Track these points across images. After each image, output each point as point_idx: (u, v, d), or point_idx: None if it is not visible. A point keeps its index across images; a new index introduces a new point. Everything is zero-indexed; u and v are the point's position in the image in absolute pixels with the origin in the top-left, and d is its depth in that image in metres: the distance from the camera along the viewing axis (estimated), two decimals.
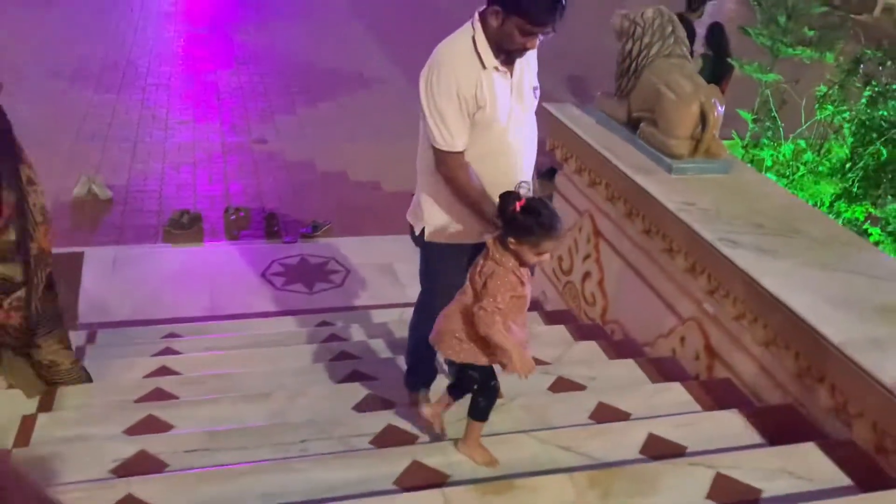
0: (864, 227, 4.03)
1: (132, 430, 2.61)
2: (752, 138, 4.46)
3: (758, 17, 4.41)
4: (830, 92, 4.21)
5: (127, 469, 2.29)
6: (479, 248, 2.56)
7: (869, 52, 4.09)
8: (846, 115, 4.19)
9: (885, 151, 3.92)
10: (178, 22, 11.21)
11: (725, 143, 4.12)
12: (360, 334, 3.90)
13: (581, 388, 2.90)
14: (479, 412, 2.28)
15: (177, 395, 2.96)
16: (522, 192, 2.13)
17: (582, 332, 3.83)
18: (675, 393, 2.92)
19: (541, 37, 2.37)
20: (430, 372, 2.86)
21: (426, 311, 2.68)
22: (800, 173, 4.25)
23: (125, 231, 5.28)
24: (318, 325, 4.08)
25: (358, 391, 2.97)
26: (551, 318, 4.26)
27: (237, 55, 9.67)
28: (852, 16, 14.25)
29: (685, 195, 3.41)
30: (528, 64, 2.54)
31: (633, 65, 3.90)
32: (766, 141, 4.31)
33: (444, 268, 2.68)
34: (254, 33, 10.69)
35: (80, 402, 2.88)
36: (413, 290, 4.66)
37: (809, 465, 2.29)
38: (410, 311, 4.35)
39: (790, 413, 2.67)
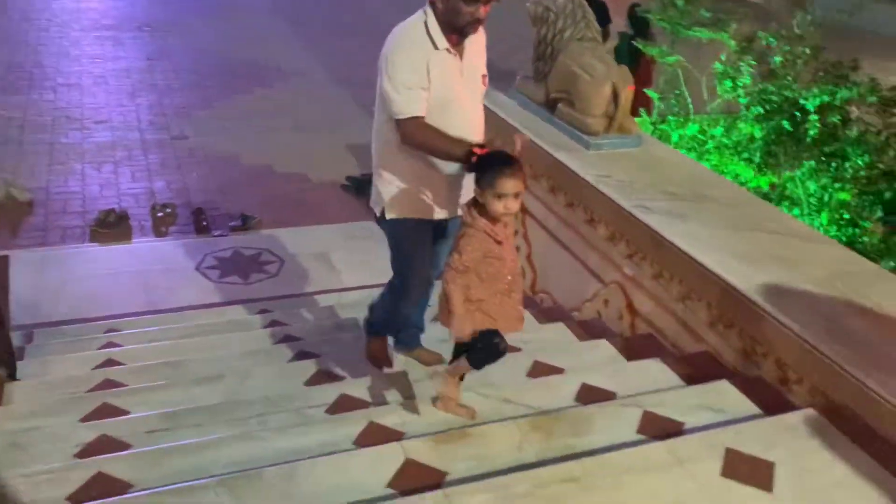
0: (768, 195, 4.39)
1: (88, 418, 2.67)
2: (658, 115, 4.78)
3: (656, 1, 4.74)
4: (727, 69, 4.56)
5: (90, 452, 2.36)
6: (440, 229, 2.76)
7: (761, 34, 4.46)
8: (741, 92, 4.55)
9: (786, 124, 4.29)
10: (85, 21, 10.89)
11: (637, 120, 4.43)
12: (300, 319, 4.01)
13: (517, 350, 3.12)
14: (476, 361, 2.32)
15: (127, 384, 3.02)
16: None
17: None
18: (603, 349, 3.17)
19: (486, 5, 2.46)
20: (397, 326, 3.04)
21: (394, 292, 2.87)
22: (708, 145, 4.59)
23: (50, 233, 5.20)
24: (258, 313, 4.16)
25: (307, 368, 3.10)
26: None
27: (149, 53, 9.50)
28: None
29: (602, 168, 3.67)
30: (477, 52, 2.67)
31: (549, 49, 4.14)
32: (671, 118, 4.64)
33: (409, 247, 2.76)
34: (165, 31, 10.49)
35: (29, 396, 2.90)
36: (348, 276, 4.83)
37: (724, 399, 2.57)
38: (348, 295, 4.50)
39: (706, 358, 2.95)
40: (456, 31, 2.54)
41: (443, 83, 2.55)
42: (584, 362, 3.03)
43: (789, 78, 4.38)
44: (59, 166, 6.17)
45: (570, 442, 2.29)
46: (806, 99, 4.03)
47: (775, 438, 2.24)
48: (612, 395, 2.69)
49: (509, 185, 2.13)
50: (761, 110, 4.40)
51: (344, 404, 2.69)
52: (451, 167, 2.61)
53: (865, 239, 3.77)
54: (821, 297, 2.69)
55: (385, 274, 2.95)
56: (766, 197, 4.22)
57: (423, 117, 2.55)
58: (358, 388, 2.79)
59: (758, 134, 4.51)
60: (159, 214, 5.56)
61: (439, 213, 2.73)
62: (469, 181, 2.38)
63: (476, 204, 2.19)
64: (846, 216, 3.88)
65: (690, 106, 4.67)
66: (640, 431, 2.38)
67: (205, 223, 5.51)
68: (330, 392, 2.78)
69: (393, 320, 3.01)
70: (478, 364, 2.32)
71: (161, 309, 4.35)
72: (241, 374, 3.04)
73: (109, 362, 3.30)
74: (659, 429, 2.38)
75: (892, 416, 2.19)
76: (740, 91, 4.59)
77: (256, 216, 5.57)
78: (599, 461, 2.11)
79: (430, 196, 2.71)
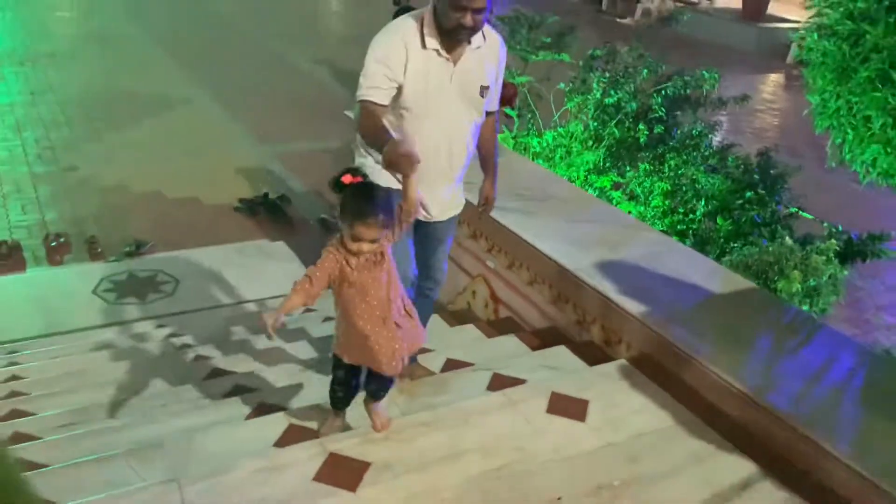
0: (609, 193, 5.06)
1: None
2: (518, 130, 5.40)
3: (502, 31, 5.37)
4: (574, 86, 5.23)
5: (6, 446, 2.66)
6: (430, 231, 2.80)
7: (598, 51, 5.15)
8: (588, 103, 5.23)
9: (616, 131, 4.98)
10: None
11: (499, 136, 5.01)
12: (197, 329, 4.34)
13: None
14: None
15: (32, 392, 3.29)
16: (364, 171, 2.14)
17: None
18: (468, 331, 3.69)
19: (476, 15, 2.40)
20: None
21: None
22: (557, 155, 5.23)
23: None
24: (156, 328, 4.46)
25: (204, 367, 3.46)
26: None
27: (32, 87, 9.49)
28: (617, 19, 16.29)
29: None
30: (479, 63, 2.60)
31: None
32: (527, 131, 5.27)
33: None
34: (46, 64, 10.46)
35: None
36: (243, 291, 5.17)
37: (559, 359, 3.11)
38: (242, 307, 4.84)
39: (551, 331, 3.51)
40: (445, 35, 2.48)
41: (423, 84, 2.51)
42: (449, 342, 3.53)
43: (626, 90, 5.09)
44: None
45: (430, 400, 2.77)
46: (626, 104, 4.72)
47: (591, 383, 2.79)
48: (471, 364, 3.19)
49: (366, 233, 2.07)
50: (602, 119, 5.08)
51: (238, 392, 3.08)
52: (430, 166, 2.50)
53: (680, 225, 4.47)
54: (636, 271, 3.29)
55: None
56: (608, 197, 4.87)
57: (379, 105, 2.49)
58: (250, 378, 3.18)
59: (604, 143, 5.20)
60: (53, 244, 5.72)
61: (428, 213, 2.73)
62: (459, 185, 2.65)
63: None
64: (668, 204, 4.58)
65: (540, 121, 5.31)
66: (489, 388, 2.88)
67: (99, 250, 5.71)
68: (225, 383, 3.16)
69: None
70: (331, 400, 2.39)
71: (60, 332, 4.57)
72: (143, 376, 3.36)
73: (13, 378, 3.55)
74: (505, 385, 2.89)
75: (680, 360, 2.77)
76: (590, 106, 5.27)
77: (150, 241, 5.82)
78: (450, 409, 2.59)
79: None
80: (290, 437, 2.51)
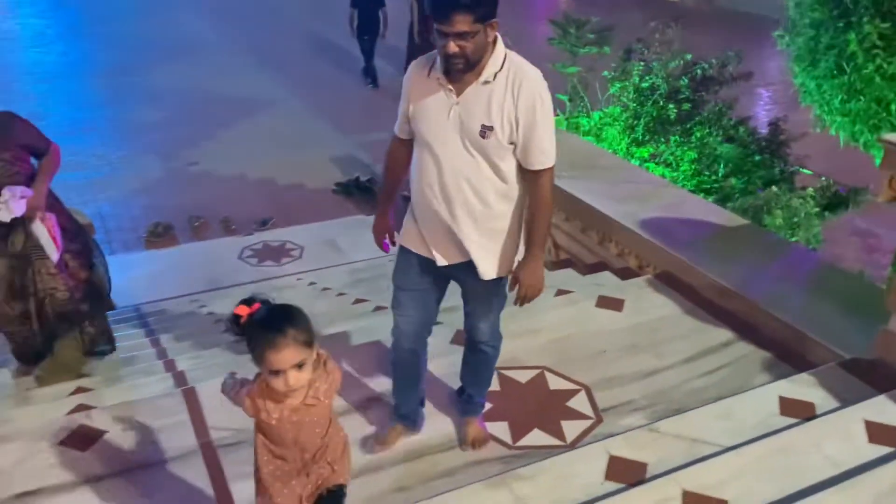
0: (647, 164, 6.37)
1: None
2: (570, 112, 6.74)
3: (555, 31, 6.71)
4: (615, 74, 6.55)
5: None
6: (430, 266, 2.61)
7: (634, 46, 6.46)
8: (629, 88, 6.54)
9: (652, 110, 6.28)
10: (79, 67, 12.50)
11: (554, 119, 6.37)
12: (328, 280, 5.84)
13: None
14: None
15: None
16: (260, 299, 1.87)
17: None
18: None
19: (458, 41, 2.24)
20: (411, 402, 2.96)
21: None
22: (604, 133, 6.56)
23: (112, 244, 6.91)
24: (297, 280, 5.99)
25: (347, 299, 4.93)
26: None
27: (137, 98, 11.20)
28: None
29: None
30: (490, 99, 2.34)
31: None
32: (578, 113, 6.61)
33: (395, 275, 2.74)
34: (153, 73, 12.18)
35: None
36: (353, 255, 6.66)
37: (605, 279, 4.48)
38: (354, 265, 6.34)
39: (599, 265, 4.87)
40: (444, 64, 2.35)
41: (422, 115, 2.46)
42: None
43: (659, 75, 6.38)
44: (113, 192, 7.90)
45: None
46: (659, 87, 6.03)
47: (626, 289, 4.16)
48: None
49: (283, 357, 1.75)
50: (640, 99, 6.39)
51: (378, 308, 4.54)
52: (424, 202, 2.53)
53: (705, 185, 5.77)
54: (661, 216, 4.63)
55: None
56: (643, 163, 6.20)
57: (401, 139, 2.63)
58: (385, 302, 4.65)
59: (642, 120, 6.52)
60: (195, 224, 7.33)
61: (431, 253, 2.60)
62: (478, 236, 2.48)
63: None
64: (695, 168, 5.88)
65: (588, 105, 6.65)
66: (555, 296, 4.28)
67: (233, 227, 7.30)
68: (368, 306, 4.62)
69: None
70: None
71: (220, 287, 6.13)
72: (310, 302, 4.85)
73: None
74: (568, 296, 4.28)
75: (688, 271, 4.11)
76: (629, 89, 6.58)
77: (272, 217, 7.38)
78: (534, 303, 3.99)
79: (414, 226, 2.63)
80: None
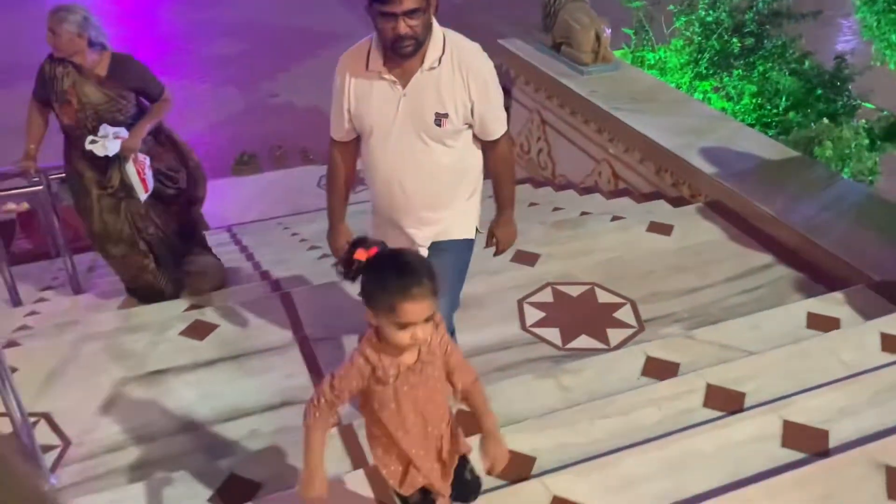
0: (709, 95, 6.58)
1: None
2: (636, 45, 6.95)
3: None
4: (681, 7, 6.71)
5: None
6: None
7: None
8: (694, 22, 6.70)
9: (716, 44, 6.45)
10: (156, 3, 13.13)
11: (616, 52, 6.61)
12: None
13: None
14: None
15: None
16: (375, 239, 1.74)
17: (537, 183, 6.36)
18: (595, 198, 5.45)
19: (409, 20, 2.18)
20: None
21: None
22: (669, 64, 6.77)
23: None
24: None
25: None
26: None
27: (230, 28, 11.72)
28: None
29: (592, 87, 5.88)
30: (439, 85, 2.33)
31: (552, 9, 6.33)
32: (644, 47, 6.82)
33: None
34: (228, 7, 12.70)
35: None
36: None
37: (660, 208, 4.82)
38: None
39: (654, 194, 5.21)
40: (390, 52, 2.29)
41: (367, 111, 2.40)
42: (582, 206, 5.32)
43: (724, 9, 6.52)
44: (199, 123, 8.54)
45: (571, 232, 4.57)
46: (724, 21, 6.20)
47: (677, 216, 4.51)
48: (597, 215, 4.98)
49: (416, 310, 1.61)
50: (705, 33, 6.57)
51: None
52: (384, 204, 2.57)
53: (765, 118, 5.98)
54: (715, 148, 4.92)
55: None
56: (708, 99, 6.42)
57: (342, 142, 2.54)
58: None
59: (706, 54, 6.70)
60: (276, 153, 7.91)
61: (413, 242, 2.58)
62: (443, 219, 2.54)
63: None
64: (756, 101, 6.09)
65: (653, 39, 6.85)
66: (610, 221, 4.67)
67: (311, 157, 7.85)
68: None
69: None
70: None
71: (302, 212, 6.71)
72: None
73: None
74: (621, 221, 4.67)
75: (736, 199, 4.43)
76: (695, 24, 6.74)
77: None
78: (585, 229, 4.40)
79: (386, 224, 2.65)
80: None
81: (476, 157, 2.59)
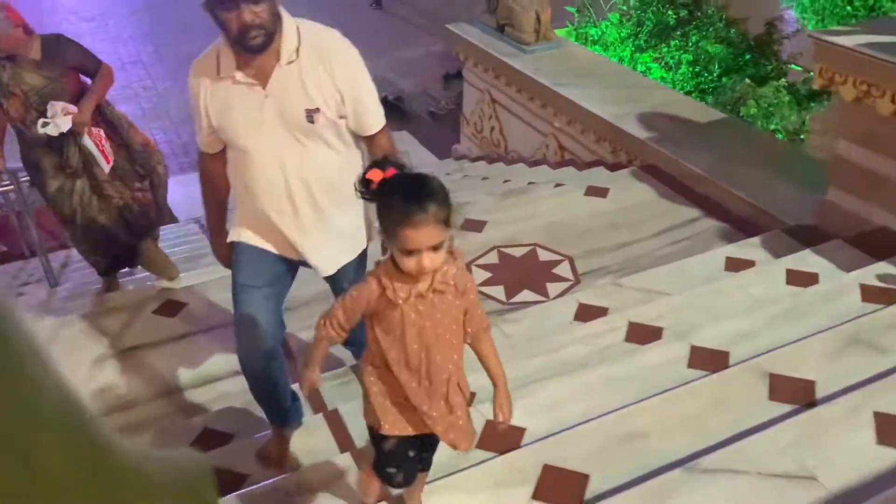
0: (650, 66, 6.94)
1: None
2: (579, 23, 7.30)
3: None
4: None
5: None
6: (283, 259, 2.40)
7: None
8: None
9: (653, 17, 6.82)
10: (118, 5, 13.27)
11: (561, 31, 6.95)
12: None
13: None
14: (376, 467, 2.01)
15: None
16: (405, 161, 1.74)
17: (490, 160, 6.70)
18: (542, 169, 5.80)
19: (253, 6, 2.02)
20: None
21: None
22: (610, 38, 7.12)
23: None
24: None
25: None
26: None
27: (188, 26, 11.95)
28: None
29: (534, 65, 6.22)
30: (303, 79, 2.15)
31: None
32: (586, 24, 7.16)
33: (235, 272, 2.41)
34: (184, 5, 12.87)
35: None
36: None
37: (599, 174, 5.18)
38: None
39: (596, 162, 5.56)
40: (240, 51, 2.12)
41: (229, 123, 2.20)
42: (530, 177, 5.66)
43: None
44: (163, 121, 8.78)
45: (516, 199, 4.91)
46: None
47: (613, 179, 4.87)
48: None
49: (418, 237, 1.59)
50: (642, 7, 6.92)
51: None
52: (268, 221, 2.29)
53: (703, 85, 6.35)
54: (651, 116, 5.28)
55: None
56: (648, 70, 6.78)
57: (210, 154, 2.35)
58: None
59: (645, 27, 7.06)
60: None
61: (300, 255, 2.39)
62: (343, 233, 2.38)
63: None
64: (693, 70, 6.46)
65: (593, 15, 7.20)
66: (553, 188, 5.02)
67: None
68: None
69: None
70: (379, 474, 1.99)
71: None
72: None
73: None
74: (561, 188, 5.01)
75: (668, 161, 4.80)
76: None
77: None
78: (527, 196, 4.74)
79: (266, 232, 2.36)
80: None
81: (359, 148, 2.42)
